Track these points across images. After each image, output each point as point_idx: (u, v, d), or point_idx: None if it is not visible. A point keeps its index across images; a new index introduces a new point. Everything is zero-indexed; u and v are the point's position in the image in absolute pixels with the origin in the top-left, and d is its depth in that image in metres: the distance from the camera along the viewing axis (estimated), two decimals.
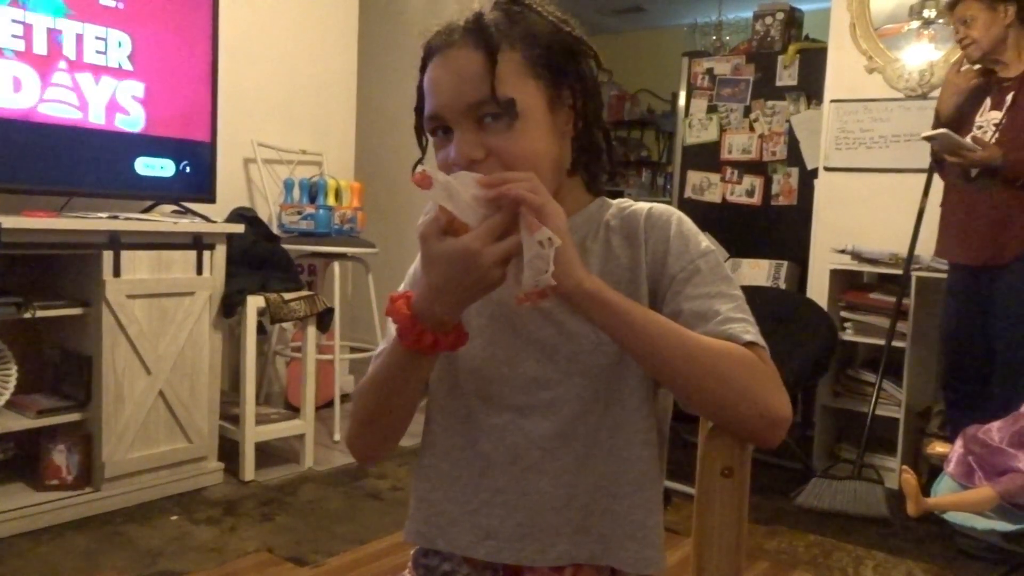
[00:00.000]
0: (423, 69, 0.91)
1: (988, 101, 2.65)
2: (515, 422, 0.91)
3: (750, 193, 4.12)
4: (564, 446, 0.89)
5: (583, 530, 0.90)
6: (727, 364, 0.80)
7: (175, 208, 2.91)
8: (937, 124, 2.71)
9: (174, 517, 2.53)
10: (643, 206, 0.94)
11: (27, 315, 2.36)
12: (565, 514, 0.90)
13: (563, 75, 0.89)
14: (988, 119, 2.64)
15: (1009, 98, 2.59)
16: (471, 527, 0.93)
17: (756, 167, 4.11)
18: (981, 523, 2.25)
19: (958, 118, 2.69)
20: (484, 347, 0.93)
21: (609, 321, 0.81)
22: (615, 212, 0.95)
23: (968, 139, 2.57)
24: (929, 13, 3.24)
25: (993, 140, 2.59)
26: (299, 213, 3.33)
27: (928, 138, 2.67)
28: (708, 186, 4.24)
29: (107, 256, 2.47)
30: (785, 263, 3.82)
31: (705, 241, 0.91)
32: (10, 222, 2.21)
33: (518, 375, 0.91)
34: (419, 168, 0.81)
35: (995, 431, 2.32)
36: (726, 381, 0.80)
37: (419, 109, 0.93)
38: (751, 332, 0.84)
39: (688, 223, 0.92)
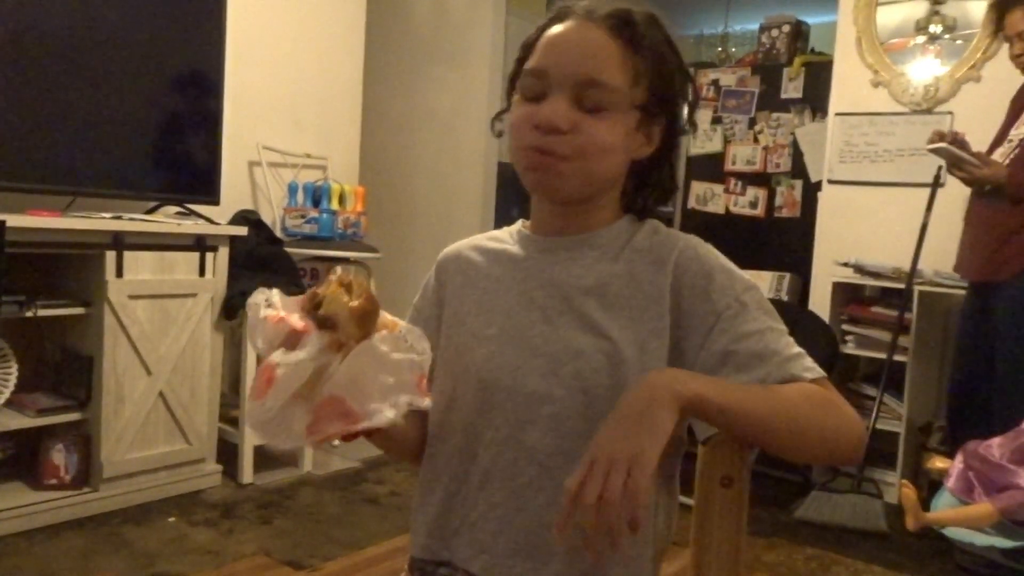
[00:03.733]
0: (544, 28, 0.91)
1: None
2: (515, 436, 0.90)
3: (753, 205, 4.12)
4: (564, 464, 0.87)
5: (576, 550, 0.87)
6: (816, 414, 0.82)
7: (179, 209, 2.92)
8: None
9: (172, 519, 2.53)
10: (676, 237, 0.93)
11: (29, 314, 2.36)
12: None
13: (661, 104, 0.91)
14: (1018, 133, 2.61)
15: None
16: (469, 540, 0.92)
17: (760, 179, 4.11)
18: (980, 539, 2.25)
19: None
20: (489, 357, 0.92)
21: (716, 421, 0.81)
22: (647, 234, 0.94)
23: (968, 155, 2.56)
24: (935, 28, 3.24)
25: (1013, 154, 2.56)
26: (303, 217, 3.34)
27: (932, 151, 2.65)
28: (711, 197, 4.25)
29: (110, 256, 2.48)
30: (787, 275, 3.82)
31: (745, 275, 0.91)
32: (14, 221, 2.22)
33: (520, 388, 0.90)
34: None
35: (995, 447, 2.32)
36: (820, 429, 0.82)
37: (520, 61, 0.93)
38: (810, 367, 0.86)
39: (723, 257, 0.92)
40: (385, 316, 0.84)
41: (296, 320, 0.81)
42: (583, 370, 0.88)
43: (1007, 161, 2.56)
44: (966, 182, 2.65)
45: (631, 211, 0.97)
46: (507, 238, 1.01)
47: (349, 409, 0.79)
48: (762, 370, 0.84)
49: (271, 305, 0.83)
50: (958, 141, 2.61)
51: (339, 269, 0.84)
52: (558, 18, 0.91)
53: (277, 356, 0.78)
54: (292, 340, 0.80)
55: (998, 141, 2.67)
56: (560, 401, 0.88)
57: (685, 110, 0.95)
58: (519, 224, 1.02)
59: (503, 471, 0.90)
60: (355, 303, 0.80)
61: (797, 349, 0.87)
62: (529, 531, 0.89)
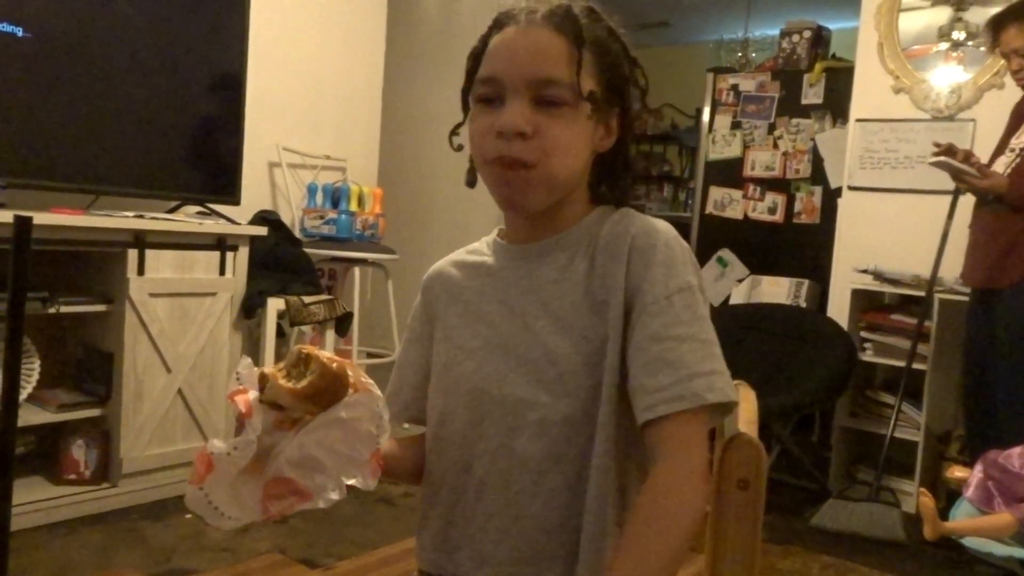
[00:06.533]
0: (487, 36, 0.92)
1: None
2: (506, 445, 0.90)
3: (772, 210, 4.10)
4: (554, 468, 0.88)
5: (576, 553, 0.88)
6: (677, 537, 0.79)
7: (200, 209, 2.95)
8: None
9: (188, 515, 2.54)
10: (633, 224, 0.90)
11: (52, 310, 2.39)
12: (559, 538, 0.89)
13: (615, 94, 0.91)
14: (1019, 143, 2.62)
15: None
16: (470, 553, 0.93)
17: (779, 184, 4.09)
18: (1000, 549, 2.23)
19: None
20: (476, 369, 0.93)
21: None
22: (610, 227, 0.92)
23: (968, 166, 2.56)
24: (958, 35, 3.22)
25: (1014, 164, 2.57)
26: (321, 218, 3.36)
27: (933, 164, 2.66)
28: (730, 202, 4.23)
29: (132, 254, 2.50)
30: (806, 282, 3.80)
31: (689, 274, 0.87)
32: (39, 218, 2.23)
33: (508, 396, 0.90)
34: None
35: (1016, 457, 2.30)
36: (683, 544, 0.79)
37: (470, 72, 0.93)
38: (715, 387, 0.82)
39: (676, 249, 0.88)
40: (360, 377, 0.83)
41: (245, 400, 0.80)
42: (564, 375, 0.88)
43: (1008, 171, 2.57)
44: (971, 192, 2.67)
45: (602, 202, 0.97)
46: (484, 249, 1.02)
47: (297, 487, 0.80)
48: (666, 378, 0.82)
49: (239, 379, 0.83)
50: (955, 152, 2.61)
51: (303, 345, 0.83)
52: (500, 25, 0.91)
53: (212, 444, 0.78)
54: (240, 423, 0.80)
55: (999, 150, 2.68)
56: (545, 407, 0.88)
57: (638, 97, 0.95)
58: (494, 233, 1.02)
59: (497, 480, 0.91)
60: (302, 384, 0.79)
61: (711, 366, 0.83)
62: (528, 538, 0.89)
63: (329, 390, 0.80)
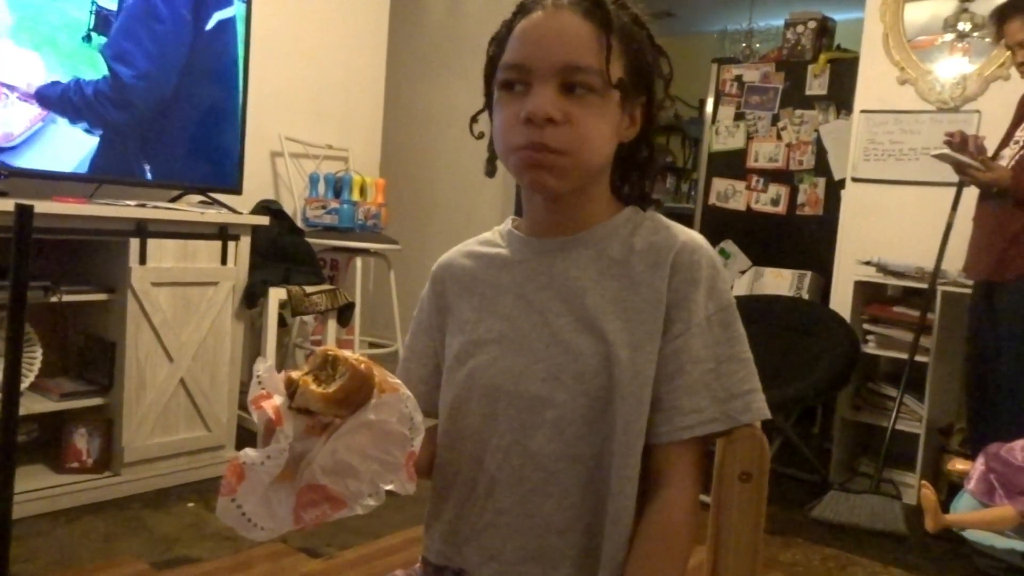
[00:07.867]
0: (511, 22, 0.90)
1: None
2: (520, 442, 0.89)
3: (775, 202, 4.09)
4: (569, 468, 0.88)
5: (587, 552, 0.88)
6: (680, 569, 0.85)
7: (202, 198, 2.94)
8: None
9: (191, 504, 2.55)
10: (675, 236, 0.90)
11: (54, 299, 2.39)
12: (569, 537, 0.88)
13: (641, 82, 0.90)
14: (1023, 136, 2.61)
15: None
16: (477, 548, 0.92)
17: (782, 176, 4.08)
18: (1001, 542, 2.23)
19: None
20: (491, 363, 0.92)
21: None
22: (646, 234, 0.92)
23: (973, 159, 2.55)
24: (964, 26, 3.20)
25: (1017, 157, 2.56)
26: (323, 207, 3.35)
27: (936, 156, 2.65)
28: (733, 194, 4.22)
29: (134, 243, 2.50)
30: (809, 273, 3.79)
31: (728, 292, 0.90)
32: (41, 207, 2.24)
33: (523, 393, 0.89)
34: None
35: (1017, 450, 2.30)
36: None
37: (492, 59, 0.92)
38: (752, 407, 0.86)
39: (718, 267, 0.89)
40: (386, 378, 0.81)
41: (274, 407, 0.79)
42: (584, 373, 0.87)
43: (1012, 163, 2.56)
44: (975, 185, 2.66)
45: (627, 199, 0.96)
46: (499, 240, 1.00)
47: (331, 494, 0.79)
48: (704, 400, 0.85)
49: (261, 383, 0.81)
50: (966, 141, 2.59)
51: (328, 347, 0.82)
52: (525, 9, 0.89)
53: (244, 454, 0.77)
54: (269, 430, 0.79)
55: (1004, 142, 2.67)
56: (563, 405, 0.87)
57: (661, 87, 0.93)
58: (509, 224, 1.00)
59: (509, 477, 0.90)
60: (332, 388, 0.77)
61: (749, 385, 0.87)
62: (538, 536, 0.89)
63: (360, 392, 0.78)
